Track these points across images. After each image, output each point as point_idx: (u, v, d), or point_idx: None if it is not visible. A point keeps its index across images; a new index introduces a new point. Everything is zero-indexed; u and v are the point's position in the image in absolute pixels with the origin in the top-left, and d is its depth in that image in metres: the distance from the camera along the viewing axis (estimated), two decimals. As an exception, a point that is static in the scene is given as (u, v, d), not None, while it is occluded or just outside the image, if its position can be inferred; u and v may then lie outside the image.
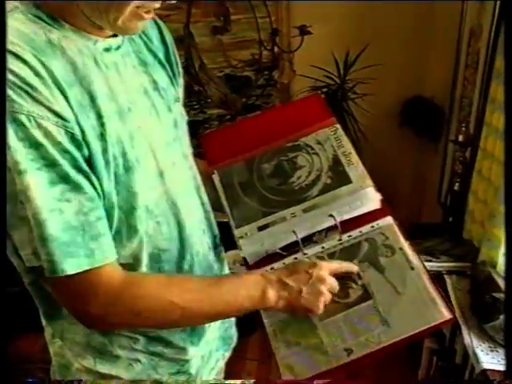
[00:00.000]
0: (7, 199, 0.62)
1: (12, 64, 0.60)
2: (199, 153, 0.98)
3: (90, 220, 0.66)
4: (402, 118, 2.34)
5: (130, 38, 0.79)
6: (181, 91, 0.92)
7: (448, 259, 1.69)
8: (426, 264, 0.82)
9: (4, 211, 0.62)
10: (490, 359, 1.26)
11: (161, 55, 0.86)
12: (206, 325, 0.90)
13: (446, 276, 1.61)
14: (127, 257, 0.76)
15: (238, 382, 0.91)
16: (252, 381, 0.91)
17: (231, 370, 1.12)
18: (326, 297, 0.76)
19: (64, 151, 0.63)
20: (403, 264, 0.80)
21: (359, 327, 0.77)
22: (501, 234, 1.50)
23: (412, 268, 0.80)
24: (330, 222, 0.85)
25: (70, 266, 0.64)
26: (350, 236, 0.85)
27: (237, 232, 0.88)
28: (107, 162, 0.69)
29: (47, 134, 0.62)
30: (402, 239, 0.83)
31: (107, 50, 0.73)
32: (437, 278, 0.81)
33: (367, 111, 2.17)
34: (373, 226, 0.85)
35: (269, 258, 0.86)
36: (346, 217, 0.86)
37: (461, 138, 1.91)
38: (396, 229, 0.84)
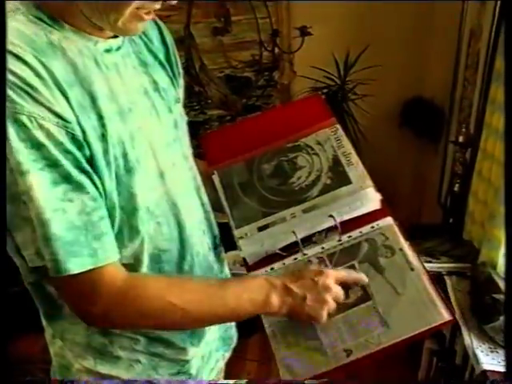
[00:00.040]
0: (10, 200, 0.62)
1: (13, 65, 0.60)
2: (199, 153, 0.98)
3: (93, 220, 0.66)
4: (402, 119, 2.34)
5: (131, 38, 0.79)
6: (181, 92, 0.93)
7: (448, 260, 1.69)
8: (426, 265, 0.82)
9: (4, 211, 0.63)
10: (490, 360, 1.26)
11: (161, 56, 0.86)
12: None
13: (446, 277, 1.61)
14: (128, 257, 0.76)
15: (231, 381, 0.91)
16: (244, 381, 0.91)
17: (231, 371, 1.13)
18: (330, 305, 0.75)
19: (66, 151, 0.64)
20: (403, 265, 0.80)
21: (359, 328, 0.77)
22: (501, 235, 1.49)
23: (412, 269, 0.80)
24: (329, 223, 0.85)
25: (74, 265, 0.64)
26: (349, 236, 0.85)
27: (237, 232, 0.88)
28: (108, 163, 0.69)
29: (49, 134, 0.62)
30: (402, 240, 0.83)
31: (108, 50, 0.73)
32: (437, 278, 0.80)
33: (367, 112, 2.17)
34: (373, 227, 0.85)
35: (269, 259, 0.86)
36: (346, 217, 0.85)
37: (461, 138, 1.91)
38: (396, 229, 0.84)
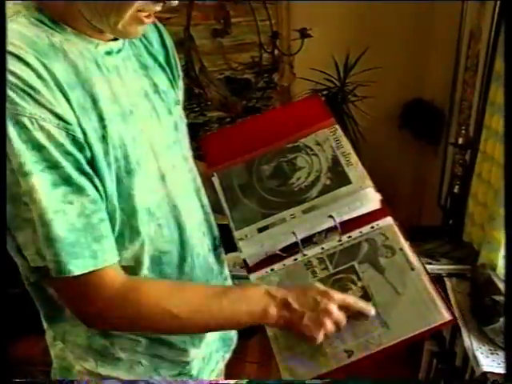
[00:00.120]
0: (11, 200, 0.63)
1: (15, 66, 0.61)
2: (199, 155, 0.98)
3: (93, 222, 0.66)
4: (402, 121, 2.35)
5: (131, 41, 0.79)
6: (181, 94, 0.93)
7: (448, 262, 1.69)
8: (426, 267, 0.82)
9: (4, 212, 0.63)
10: (490, 362, 1.26)
11: (161, 58, 0.86)
12: None
13: (445, 278, 1.61)
14: (129, 259, 0.76)
15: (232, 381, 0.91)
16: (245, 380, 0.91)
17: (231, 373, 1.12)
18: (328, 329, 0.74)
19: (66, 153, 0.64)
20: (403, 265, 0.80)
21: (359, 329, 0.76)
22: (501, 237, 1.49)
23: (412, 269, 0.79)
24: (329, 223, 0.85)
25: (76, 266, 0.64)
26: (349, 237, 0.85)
27: (237, 234, 0.88)
28: (109, 164, 0.69)
29: (49, 136, 0.62)
30: (402, 240, 0.83)
31: (108, 53, 0.73)
32: (437, 280, 0.80)
33: (367, 114, 2.18)
34: (373, 227, 0.85)
35: (269, 260, 0.86)
36: (346, 217, 0.85)
37: (460, 140, 1.91)
38: (396, 229, 0.84)
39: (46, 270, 0.66)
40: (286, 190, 0.91)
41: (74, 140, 0.65)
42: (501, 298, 1.36)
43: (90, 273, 0.66)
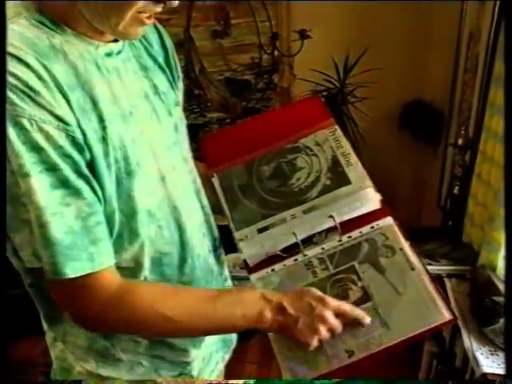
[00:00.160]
0: (9, 201, 0.63)
1: (15, 68, 0.61)
2: (199, 156, 0.98)
3: (89, 225, 0.66)
4: (402, 122, 2.35)
5: (131, 42, 0.79)
6: (181, 95, 0.93)
7: (448, 262, 1.69)
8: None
9: (4, 212, 0.63)
10: (490, 363, 1.26)
11: (161, 60, 0.86)
12: None
13: (445, 279, 1.61)
14: (128, 260, 0.76)
15: (241, 381, 0.91)
16: (252, 381, 0.91)
17: (231, 374, 1.12)
18: (322, 335, 0.74)
19: (65, 155, 0.64)
20: (404, 264, 0.80)
21: (360, 329, 0.76)
22: (500, 238, 1.49)
23: (412, 268, 0.79)
24: (329, 223, 0.85)
25: (72, 269, 0.64)
26: (349, 237, 0.85)
27: (237, 235, 0.88)
28: (109, 166, 0.69)
29: (48, 137, 0.62)
30: (402, 239, 0.83)
31: (108, 54, 0.73)
32: (436, 281, 0.81)
33: (367, 115, 2.18)
34: (373, 227, 0.85)
35: (269, 260, 0.86)
36: (346, 218, 0.86)
37: (460, 141, 1.91)
38: (396, 229, 0.84)
39: (41, 272, 0.66)
40: (286, 190, 0.91)
41: (74, 141, 0.65)
42: (501, 299, 1.36)
43: (86, 275, 0.66)
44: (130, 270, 0.77)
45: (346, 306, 0.77)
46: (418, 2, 2.11)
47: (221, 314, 0.74)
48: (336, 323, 0.75)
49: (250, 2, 2.05)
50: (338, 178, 0.90)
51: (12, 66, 0.61)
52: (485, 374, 1.24)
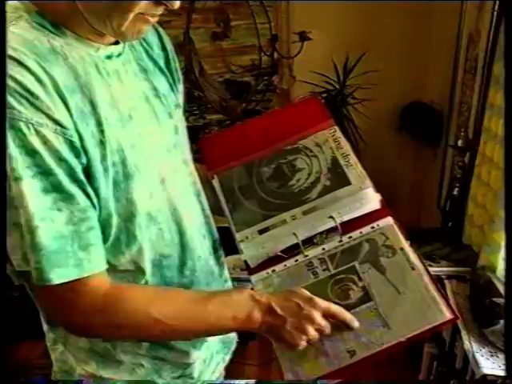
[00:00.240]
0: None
1: (14, 71, 0.61)
2: (198, 158, 0.98)
3: (81, 230, 0.66)
4: (401, 123, 2.35)
5: (131, 45, 0.79)
6: (181, 97, 0.93)
7: (448, 264, 1.69)
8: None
9: (4, 212, 0.63)
10: (490, 364, 1.26)
11: (161, 62, 0.86)
12: None
13: (445, 281, 1.61)
14: (127, 264, 0.76)
15: (243, 381, 0.91)
16: (253, 381, 0.91)
17: (231, 375, 1.12)
18: (310, 336, 0.74)
19: (60, 160, 0.63)
20: (404, 264, 0.80)
21: (361, 329, 0.76)
22: (500, 239, 1.50)
23: (413, 268, 0.79)
24: (330, 224, 0.86)
25: (58, 275, 0.64)
26: (350, 237, 0.85)
27: (238, 236, 0.88)
28: (106, 169, 0.69)
29: (45, 141, 0.62)
30: (402, 239, 0.83)
31: (109, 57, 0.73)
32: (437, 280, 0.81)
33: (366, 116, 2.18)
34: (373, 227, 0.85)
35: (270, 261, 0.86)
36: (346, 218, 0.85)
37: (460, 143, 1.92)
38: (396, 229, 0.84)
39: (30, 275, 0.65)
40: (286, 191, 0.91)
41: (71, 145, 0.65)
42: (501, 300, 1.36)
43: (75, 280, 0.65)
44: (130, 274, 0.77)
45: (334, 308, 0.76)
46: (417, 3, 2.11)
47: (211, 316, 0.74)
48: (324, 324, 0.74)
49: (249, 3, 2.06)
50: (338, 178, 0.90)
51: (12, 69, 0.61)
52: (485, 376, 1.24)
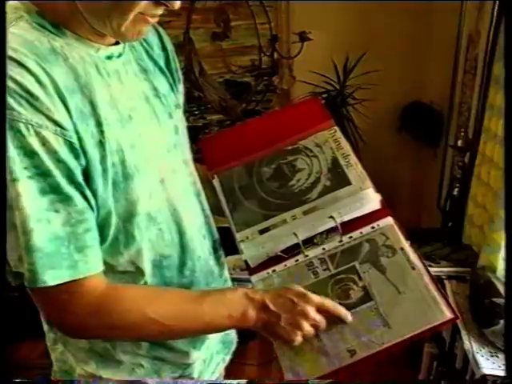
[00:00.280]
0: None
1: (14, 72, 0.61)
2: (198, 158, 0.98)
3: (78, 231, 0.66)
4: (401, 124, 2.35)
5: (131, 45, 0.79)
6: (181, 97, 0.93)
7: (447, 264, 1.69)
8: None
9: (4, 212, 0.63)
10: (491, 364, 1.26)
11: (161, 62, 0.86)
12: None
13: (445, 281, 1.61)
14: (126, 264, 0.76)
15: (235, 382, 0.91)
16: (244, 381, 0.91)
17: (231, 375, 1.12)
18: (306, 331, 0.74)
19: (59, 161, 0.63)
20: (404, 264, 0.80)
21: (361, 328, 0.76)
22: (500, 239, 1.50)
23: (413, 268, 0.80)
24: (330, 224, 0.86)
25: (51, 277, 0.64)
26: (350, 237, 0.85)
27: (238, 236, 0.88)
28: (105, 170, 0.69)
29: (44, 142, 0.62)
30: (402, 239, 0.83)
31: (109, 57, 0.73)
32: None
33: (367, 116, 2.18)
34: (373, 227, 0.85)
35: (270, 261, 0.86)
36: (347, 218, 0.85)
37: (460, 143, 1.92)
38: (396, 229, 0.84)
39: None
40: (286, 191, 0.91)
41: (71, 147, 0.65)
42: (501, 301, 1.36)
43: (70, 282, 0.65)
44: (129, 275, 0.77)
45: (328, 303, 0.76)
46: (417, 3, 2.12)
47: (205, 315, 0.74)
48: (318, 318, 0.75)
49: (249, 4, 2.06)
50: (338, 178, 0.90)
51: (12, 70, 0.61)
52: (485, 376, 1.24)
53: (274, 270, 0.84)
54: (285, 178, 0.93)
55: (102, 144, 0.68)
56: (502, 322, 1.33)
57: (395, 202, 1.02)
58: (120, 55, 0.76)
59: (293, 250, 0.85)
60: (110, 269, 0.75)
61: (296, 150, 0.95)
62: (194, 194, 0.88)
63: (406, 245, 0.82)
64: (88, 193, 0.68)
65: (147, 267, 0.78)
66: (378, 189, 0.89)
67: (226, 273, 1.00)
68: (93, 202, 0.69)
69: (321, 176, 0.91)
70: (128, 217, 0.74)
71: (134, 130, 0.74)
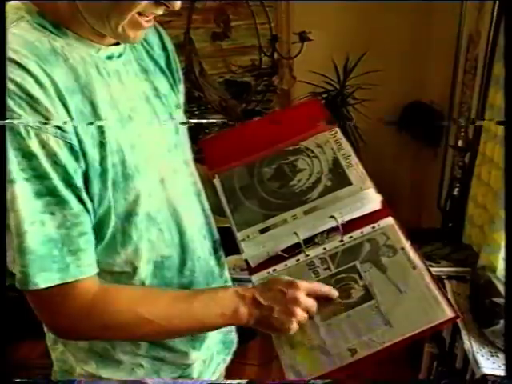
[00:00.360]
0: None
1: (15, 74, 0.61)
2: (199, 158, 0.98)
3: (72, 234, 0.66)
4: (401, 123, 2.35)
5: (132, 45, 0.79)
6: (181, 97, 0.93)
7: (448, 264, 1.69)
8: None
9: (4, 212, 0.63)
10: (491, 364, 1.26)
11: (162, 62, 0.86)
12: None
13: (445, 281, 1.61)
14: (123, 264, 0.76)
15: (235, 382, 0.91)
16: (245, 381, 0.91)
17: (231, 375, 1.12)
18: (299, 317, 0.74)
19: (57, 164, 0.63)
20: (405, 263, 0.80)
21: (362, 327, 0.77)
22: (500, 239, 1.50)
23: (414, 267, 0.80)
24: (331, 224, 0.86)
25: (42, 280, 0.64)
26: (351, 237, 0.85)
27: (238, 235, 0.88)
28: (105, 170, 0.69)
29: (44, 145, 0.62)
30: (403, 239, 0.83)
31: (109, 57, 0.74)
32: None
33: (367, 116, 2.18)
34: (374, 227, 0.85)
35: (271, 261, 0.86)
36: (347, 218, 0.86)
37: (460, 143, 1.92)
38: (397, 229, 0.84)
39: None
40: (287, 191, 0.91)
41: (71, 149, 0.65)
42: (501, 300, 1.36)
43: (62, 284, 0.65)
44: (127, 275, 0.77)
45: (315, 285, 0.78)
46: (417, 3, 2.12)
47: (197, 313, 0.75)
48: (310, 302, 0.75)
49: (249, 4, 2.06)
50: (339, 179, 0.90)
51: (12, 71, 0.61)
52: (485, 376, 1.24)
53: (274, 270, 0.84)
54: (286, 178, 0.93)
55: (102, 144, 0.68)
56: (502, 321, 1.33)
57: (395, 202, 1.02)
58: (120, 55, 0.76)
59: (293, 250, 0.85)
60: (107, 269, 0.75)
61: (297, 150, 0.95)
62: (195, 194, 0.88)
63: (407, 244, 0.82)
64: (85, 196, 0.67)
65: (146, 268, 0.78)
66: (379, 189, 0.89)
67: (227, 273, 1.00)
68: (89, 205, 0.68)
69: (322, 176, 0.91)
70: (127, 216, 0.74)
71: (134, 130, 0.74)
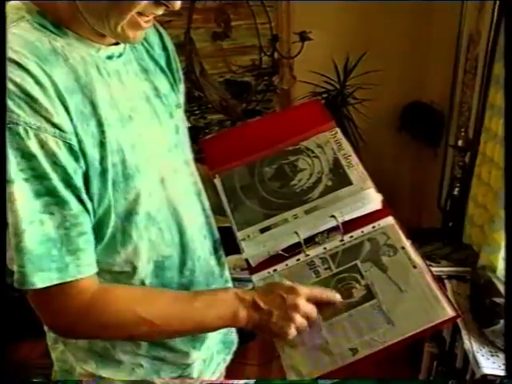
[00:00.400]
0: None
1: (15, 74, 0.61)
2: (199, 158, 0.98)
3: (71, 234, 0.66)
4: (402, 123, 2.35)
5: (132, 45, 0.79)
6: (182, 97, 0.93)
7: (448, 264, 1.69)
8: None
9: (4, 212, 0.63)
10: (491, 364, 1.26)
11: (162, 62, 0.86)
12: None
13: (445, 281, 1.61)
14: (123, 263, 0.76)
15: (242, 382, 0.91)
16: (252, 381, 0.91)
17: (231, 375, 1.12)
18: (298, 323, 0.74)
19: (56, 164, 0.63)
20: (406, 263, 0.80)
21: (364, 327, 0.77)
22: (500, 239, 1.50)
23: (414, 267, 0.80)
24: (331, 223, 0.86)
25: (40, 279, 0.64)
26: (351, 236, 0.85)
27: (239, 234, 0.88)
28: (105, 170, 0.69)
29: (43, 145, 0.62)
30: (403, 238, 0.83)
31: (110, 57, 0.74)
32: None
33: (367, 116, 2.18)
34: (374, 227, 0.85)
35: (271, 260, 0.86)
36: (348, 218, 0.86)
37: (460, 142, 1.92)
38: (397, 228, 0.84)
39: None
40: (287, 191, 0.91)
41: (70, 149, 0.65)
42: (501, 300, 1.36)
43: (61, 284, 0.65)
44: (127, 275, 0.77)
45: (316, 291, 0.77)
46: (417, 3, 2.12)
47: (196, 315, 0.75)
48: (309, 308, 0.75)
49: (250, 4, 2.06)
50: (340, 178, 0.90)
51: (12, 72, 0.61)
52: (485, 375, 1.24)
53: (275, 270, 0.84)
54: (286, 177, 0.93)
55: (102, 144, 0.68)
56: (502, 321, 1.33)
57: (396, 202, 1.02)
58: (121, 55, 0.76)
59: (294, 249, 0.85)
60: (106, 268, 0.75)
61: (297, 150, 0.96)
62: (195, 194, 0.88)
63: (407, 244, 0.83)
64: (84, 196, 0.67)
65: (146, 267, 0.78)
66: (379, 188, 0.89)
67: (227, 273, 1.00)
68: (89, 205, 0.68)
69: (322, 176, 0.91)
70: (127, 216, 0.74)
71: (134, 129, 0.74)
